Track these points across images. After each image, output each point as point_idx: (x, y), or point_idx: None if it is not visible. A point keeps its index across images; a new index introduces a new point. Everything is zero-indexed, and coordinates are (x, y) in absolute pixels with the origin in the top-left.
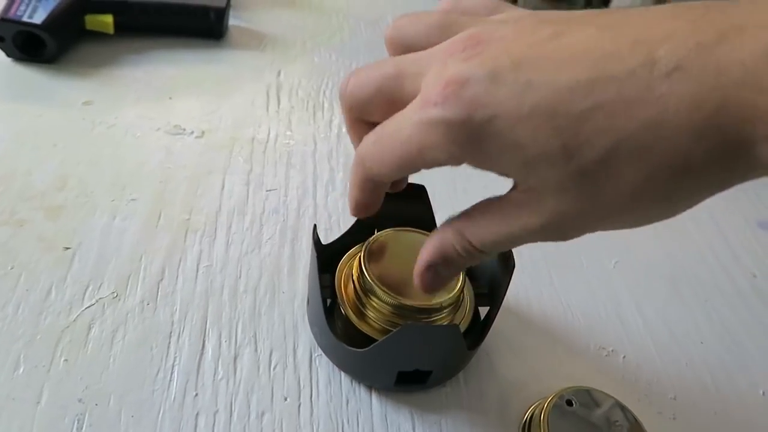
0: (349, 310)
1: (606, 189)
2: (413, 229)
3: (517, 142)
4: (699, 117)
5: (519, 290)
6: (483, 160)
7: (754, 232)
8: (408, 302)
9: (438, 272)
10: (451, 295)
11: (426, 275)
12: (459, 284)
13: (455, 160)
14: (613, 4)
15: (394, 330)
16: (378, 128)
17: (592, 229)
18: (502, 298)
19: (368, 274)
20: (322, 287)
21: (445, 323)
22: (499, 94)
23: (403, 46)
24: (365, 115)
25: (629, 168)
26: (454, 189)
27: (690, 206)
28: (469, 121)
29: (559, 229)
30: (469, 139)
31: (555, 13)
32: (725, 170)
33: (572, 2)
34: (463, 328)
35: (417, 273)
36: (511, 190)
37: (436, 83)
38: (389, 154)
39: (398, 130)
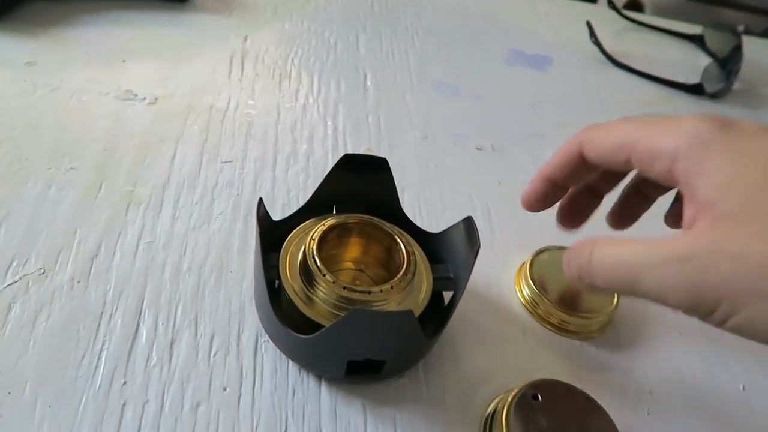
0: (295, 292)
1: None
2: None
3: None
4: None
5: (488, 270)
6: None
7: None
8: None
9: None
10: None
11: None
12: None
13: None
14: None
15: (342, 315)
16: None
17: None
18: (466, 283)
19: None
20: (268, 267)
21: (399, 308)
22: None
23: None
24: None
25: None
26: (426, 164)
27: None
28: None
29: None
30: None
31: None
32: None
33: None
34: (419, 311)
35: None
36: None
37: None
38: None
39: None
